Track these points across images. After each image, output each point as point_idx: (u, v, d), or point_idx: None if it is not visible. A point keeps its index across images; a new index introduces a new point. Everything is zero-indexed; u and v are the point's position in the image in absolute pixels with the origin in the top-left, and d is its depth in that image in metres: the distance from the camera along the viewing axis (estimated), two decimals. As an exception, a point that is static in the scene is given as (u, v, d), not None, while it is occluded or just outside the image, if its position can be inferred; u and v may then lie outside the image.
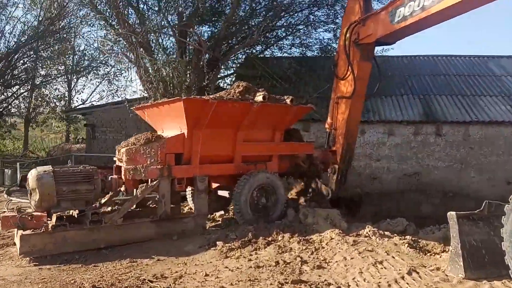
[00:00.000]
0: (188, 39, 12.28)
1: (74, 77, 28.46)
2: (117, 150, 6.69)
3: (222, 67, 14.77)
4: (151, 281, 4.71)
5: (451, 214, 5.00)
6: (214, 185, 7.90)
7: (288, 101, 7.05)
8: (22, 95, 25.89)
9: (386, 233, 6.60)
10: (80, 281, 4.64)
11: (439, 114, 13.66)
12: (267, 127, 7.35)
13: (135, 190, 6.49)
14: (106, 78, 26.79)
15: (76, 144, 25.65)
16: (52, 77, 27.04)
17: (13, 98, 24.52)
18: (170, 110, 6.47)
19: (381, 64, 10.03)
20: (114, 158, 6.79)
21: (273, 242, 6.17)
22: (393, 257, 5.52)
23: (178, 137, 6.53)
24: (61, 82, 28.78)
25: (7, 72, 19.30)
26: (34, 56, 22.00)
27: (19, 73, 21.40)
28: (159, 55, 10.57)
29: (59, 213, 5.55)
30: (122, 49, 11.17)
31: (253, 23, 13.28)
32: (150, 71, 10.42)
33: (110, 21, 11.53)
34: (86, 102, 30.74)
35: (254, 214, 6.94)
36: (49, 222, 5.57)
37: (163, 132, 7.14)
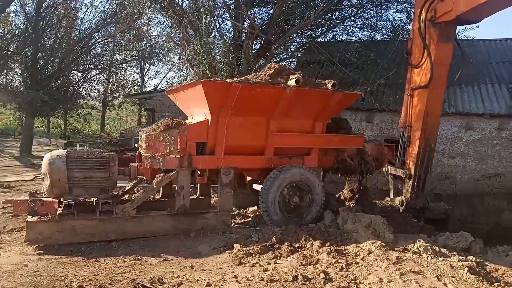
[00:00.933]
0: (241, 23, 11.58)
1: (145, 63, 29.48)
2: (139, 136, 6.26)
3: (279, 51, 13.89)
4: (145, 286, 4.15)
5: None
6: (249, 178, 7.19)
7: (329, 86, 6.01)
8: (99, 79, 27.47)
9: (443, 250, 5.35)
10: (71, 278, 4.24)
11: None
12: (305, 116, 6.39)
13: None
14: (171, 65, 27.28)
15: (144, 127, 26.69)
16: (127, 62, 28.31)
17: (90, 82, 26.06)
18: (194, 94, 5.82)
19: (464, 47, 8.50)
20: (136, 144, 6.37)
21: (299, 249, 5.29)
22: (445, 284, 4.35)
23: (201, 124, 5.89)
24: (134, 68, 30.06)
25: (83, 56, 20.33)
26: (110, 41, 23.02)
27: (94, 57, 22.51)
28: (207, 37, 9.98)
29: (67, 200, 5.24)
30: (171, 32, 10.80)
31: (311, 3, 12.13)
32: (199, 53, 9.90)
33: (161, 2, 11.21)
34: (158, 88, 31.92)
35: (283, 215, 6.09)
36: (59, 209, 5.29)
37: (192, 119, 6.56)
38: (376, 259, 4.93)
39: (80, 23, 19.78)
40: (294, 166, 6.12)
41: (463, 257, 5.19)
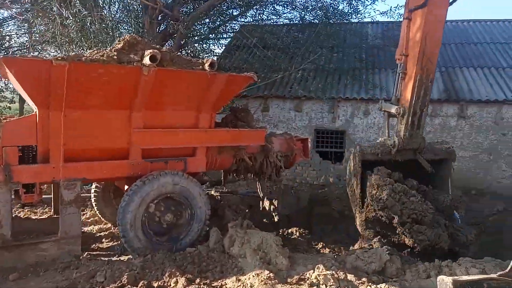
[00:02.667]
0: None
1: None
2: None
3: (196, 33, 12.28)
4: None
5: (443, 282, 2.57)
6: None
7: (206, 65, 4.55)
8: None
9: (349, 277, 4.13)
10: None
11: (465, 92, 10.73)
12: (183, 106, 4.91)
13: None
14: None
15: None
16: None
17: None
18: (11, 77, 4.13)
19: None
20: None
21: (159, 291, 3.86)
22: None
23: (25, 121, 4.23)
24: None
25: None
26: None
27: None
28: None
29: None
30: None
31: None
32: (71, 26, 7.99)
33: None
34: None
35: (150, 240, 4.60)
36: None
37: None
38: (257, 303, 3.60)
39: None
40: (164, 173, 4.63)
41: (374, 286, 4.00)
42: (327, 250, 6.72)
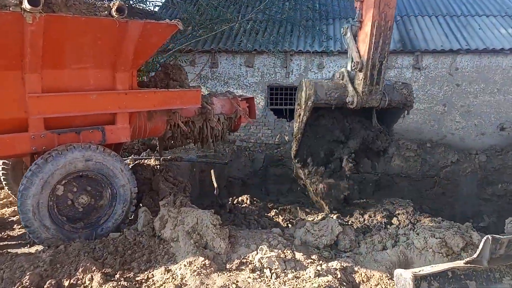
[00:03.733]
0: None
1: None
2: None
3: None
4: None
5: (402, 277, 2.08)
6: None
7: (113, 10, 3.60)
8: None
9: (298, 256, 3.62)
10: None
11: (420, 41, 10.29)
12: (93, 63, 3.98)
13: None
14: None
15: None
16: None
17: None
18: None
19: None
20: None
21: (69, 292, 3.16)
22: None
23: None
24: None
25: None
26: None
27: None
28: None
29: None
30: None
31: None
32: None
33: None
34: None
35: (61, 228, 3.82)
36: None
37: None
38: (187, 300, 2.99)
39: None
40: (72, 147, 3.77)
41: (324, 264, 3.52)
42: (280, 218, 6.26)
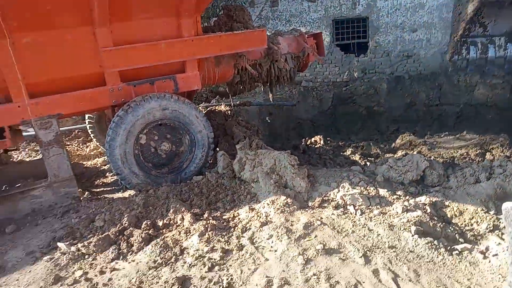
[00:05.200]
0: None
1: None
2: None
3: None
4: None
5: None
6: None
7: None
8: None
9: (382, 192, 3.51)
10: None
11: None
12: (158, 12, 3.94)
13: None
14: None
15: None
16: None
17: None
18: None
19: None
20: None
21: (163, 230, 3.40)
22: (375, 271, 2.58)
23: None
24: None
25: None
26: None
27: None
28: None
29: None
30: None
31: None
32: None
33: None
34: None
35: (149, 174, 4.05)
36: None
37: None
38: (272, 236, 3.06)
39: None
40: (148, 98, 3.87)
41: (411, 200, 3.37)
42: (357, 156, 6.09)
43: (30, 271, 3.16)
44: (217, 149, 4.88)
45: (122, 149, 3.81)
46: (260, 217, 3.33)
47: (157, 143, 4.05)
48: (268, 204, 3.40)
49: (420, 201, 3.31)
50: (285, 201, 3.39)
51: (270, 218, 3.28)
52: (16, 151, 5.77)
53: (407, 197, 3.41)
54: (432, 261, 2.69)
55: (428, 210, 3.20)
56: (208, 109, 6.54)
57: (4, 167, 4.70)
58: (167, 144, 4.08)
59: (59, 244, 3.38)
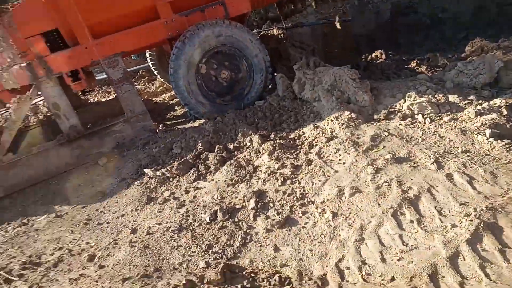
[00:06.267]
0: None
1: None
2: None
3: None
4: (9, 280, 2.89)
5: None
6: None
7: None
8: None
9: (452, 98, 3.39)
10: None
11: None
12: None
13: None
14: None
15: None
16: None
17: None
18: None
19: None
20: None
21: (235, 152, 3.63)
22: (449, 175, 2.62)
23: (30, 3, 3.66)
24: None
25: None
26: None
27: None
28: None
29: None
30: None
31: None
32: None
33: None
34: None
35: (213, 102, 4.22)
36: None
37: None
38: (339, 149, 3.16)
39: None
40: (201, 26, 3.90)
41: (485, 103, 3.23)
42: (422, 68, 5.77)
43: (125, 195, 3.60)
44: (275, 74, 4.90)
45: (186, 80, 3.97)
46: (326, 133, 3.41)
47: (217, 72, 4.15)
48: (332, 121, 3.45)
49: (495, 104, 3.16)
50: (349, 116, 3.40)
51: (336, 134, 3.34)
52: (91, 93, 6.23)
53: (480, 101, 3.26)
54: (511, 162, 2.64)
55: (505, 113, 3.06)
56: (260, 34, 6.44)
57: (84, 108, 5.13)
58: (226, 72, 4.17)
59: (145, 170, 3.77)
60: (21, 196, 4.09)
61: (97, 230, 3.24)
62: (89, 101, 5.84)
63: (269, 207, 2.83)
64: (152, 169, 3.74)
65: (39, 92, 3.92)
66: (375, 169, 2.82)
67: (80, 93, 5.28)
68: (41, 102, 5.32)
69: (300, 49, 5.19)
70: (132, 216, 3.27)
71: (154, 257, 2.71)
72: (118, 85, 4.08)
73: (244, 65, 4.21)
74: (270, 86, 4.51)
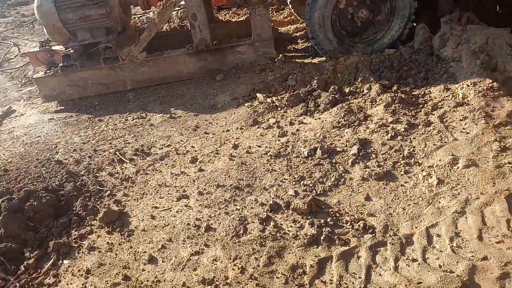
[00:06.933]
0: None
1: None
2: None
3: None
4: (122, 160, 3.37)
5: None
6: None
7: None
8: None
9: None
10: (59, 148, 3.74)
11: None
12: None
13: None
14: None
15: None
16: None
17: None
18: None
19: None
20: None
21: (348, 97, 3.51)
22: None
23: None
24: None
25: None
26: None
27: None
28: None
29: (67, 49, 4.46)
30: None
31: None
32: None
33: None
34: None
35: (342, 41, 4.01)
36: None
37: None
38: (466, 118, 2.83)
39: None
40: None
41: None
42: None
43: (234, 113, 3.78)
44: (414, 24, 4.44)
45: (321, 12, 3.82)
46: (456, 98, 3.06)
47: (355, 10, 3.90)
48: (468, 86, 3.06)
49: None
50: (491, 85, 2.97)
51: (468, 100, 2.97)
52: (222, 12, 6.42)
53: None
54: None
55: None
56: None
57: (215, 25, 5.33)
58: (364, 11, 3.89)
59: (257, 94, 3.87)
60: (144, 92, 4.56)
61: (203, 137, 3.50)
62: (220, 19, 6.03)
63: (371, 158, 2.73)
64: (264, 95, 3.82)
65: (182, 2, 4.15)
66: (501, 147, 2.49)
67: (215, 9, 5.45)
68: (175, 12, 5.66)
69: (452, 1, 4.55)
70: (236, 133, 3.45)
71: (248, 174, 2.85)
72: (254, 6, 4.11)
73: (386, 7, 3.87)
74: (405, 37, 4.12)
